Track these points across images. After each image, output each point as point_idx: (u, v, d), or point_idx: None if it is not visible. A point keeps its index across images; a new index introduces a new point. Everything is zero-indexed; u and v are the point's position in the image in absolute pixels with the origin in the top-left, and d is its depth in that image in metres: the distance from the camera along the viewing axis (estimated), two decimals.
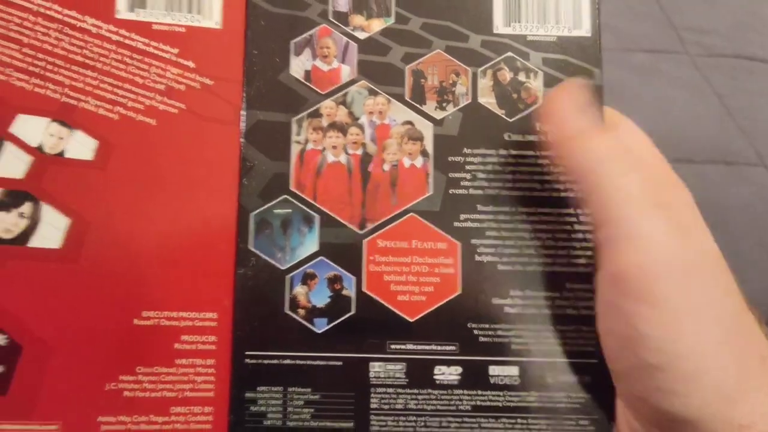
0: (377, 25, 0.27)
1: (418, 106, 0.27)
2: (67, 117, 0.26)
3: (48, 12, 0.26)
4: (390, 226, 0.26)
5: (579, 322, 0.26)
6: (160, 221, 0.26)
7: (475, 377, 0.26)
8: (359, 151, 0.27)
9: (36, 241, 0.25)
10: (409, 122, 0.27)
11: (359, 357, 0.26)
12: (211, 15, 0.28)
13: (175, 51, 0.27)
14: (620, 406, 0.25)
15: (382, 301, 0.26)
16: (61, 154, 0.26)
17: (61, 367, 0.25)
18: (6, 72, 0.26)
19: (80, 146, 0.26)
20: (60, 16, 0.26)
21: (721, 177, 0.62)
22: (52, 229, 0.25)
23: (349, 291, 0.26)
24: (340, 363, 0.26)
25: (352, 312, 0.26)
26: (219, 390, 0.26)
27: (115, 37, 0.27)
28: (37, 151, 0.26)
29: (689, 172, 0.62)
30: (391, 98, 0.27)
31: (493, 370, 0.26)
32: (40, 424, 0.25)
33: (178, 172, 0.27)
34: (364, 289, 0.26)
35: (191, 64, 0.27)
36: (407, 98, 0.27)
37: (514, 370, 0.26)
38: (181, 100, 0.27)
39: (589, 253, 0.26)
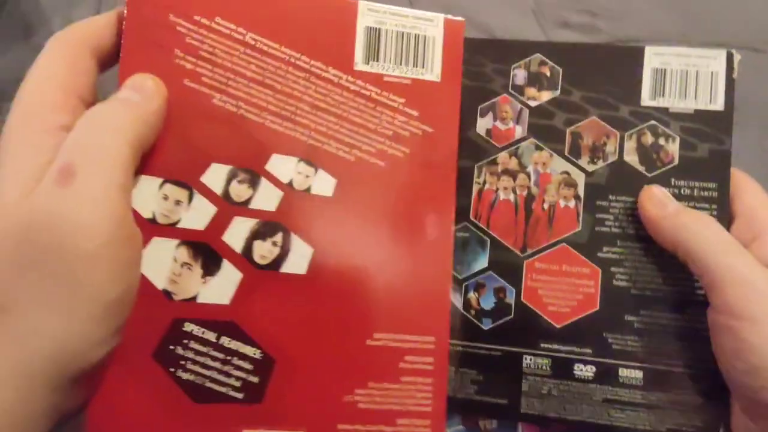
0: (546, 95, 0.35)
1: (574, 160, 0.34)
2: (312, 157, 0.29)
3: (298, 62, 0.29)
4: (546, 252, 0.34)
5: (696, 339, 0.32)
6: (388, 252, 0.29)
7: (606, 376, 0.32)
8: (525, 193, 0.34)
9: (286, 267, 0.28)
10: (566, 172, 0.34)
11: (515, 350, 0.33)
12: (433, 69, 0.30)
13: (402, 100, 0.30)
14: (736, 410, 0.31)
15: (536, 310, 0.33)
16: (307, 191, 0.29)
17: (306, 379, 0.28)
18: (263, 115, 0.29)
19: (323, 184, 0.29)
20: (307, 66, 0.29)
21: None
22: (299, 257, 0.28)
23: (510, 300, 0.34)
24: (499, 353, 0.33)
25: (512, 316, 0.33)
26: (435, 405, 0.29)
27: (353, 87, 0.30)
28: (287, 187, 0.28)
29: None
30: (553, 153, 0.34)
31: (623, 371, 0.32)
32: (290, 430, 0.27)
33: (403, 208, 0.30)
34: (522, 299, 0.33)
35: (415, 113, 0.30)
36: (566, 153, 0.34)
37: (639, 374, 0.32)
38: (406, 145, 0.30)
39: None
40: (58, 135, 0.24)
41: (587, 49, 0.35)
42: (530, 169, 0.34)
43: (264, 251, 0.28)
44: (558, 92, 0.35)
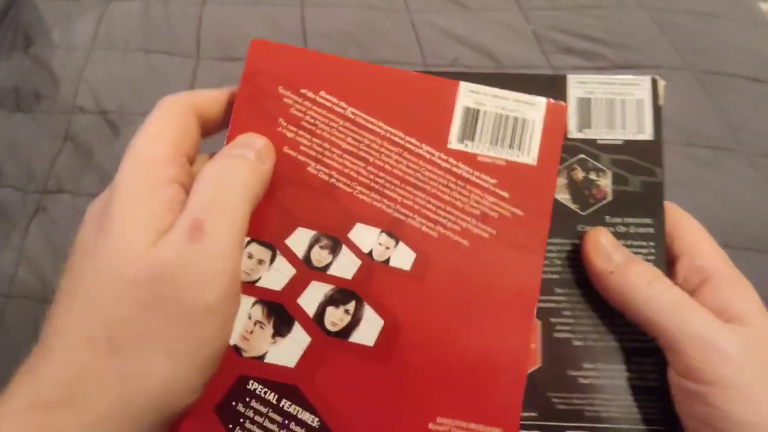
0: None
1: None
2: (395, 229, 0.29)
3: (393, 137, 0.29)
4: None
5: (645, 392, 0.29)
6: (461, 334, 0.28)
7: None
8: None
9: (355, 337, 0.27)
10: None
11: None
12: (530, 152, 0.29)
13: (494, 181, 0.29)
14: None
15: None
16: (385, 262, 0.28)
17: None
18: (353, 186, 0.29)
19: (402, 257, 0.28)
20: (402, 142, 0.29)
21: None
22: (369, 328, 0.28)
23: None
24: None
25: None
26: None
27: (444, 165, 0.29)
28: (366, 257, 0.28)
29: (753, 260, 0.64)
30: None
31: None
32: None
33: (482, 290, 0.28)
34: None
35: (506, 195, 0.29)
36: None
37: None
38: (493, 226, 0.29)
39: None
40: (171, 187, 0.25)
41: (507, 79, 0.32)
42: None
43: (336, 318, 0.28)
44: None
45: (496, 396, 0.27)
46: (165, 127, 0.27)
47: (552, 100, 0.30)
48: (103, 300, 0.23)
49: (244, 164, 0.27)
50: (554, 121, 0.30)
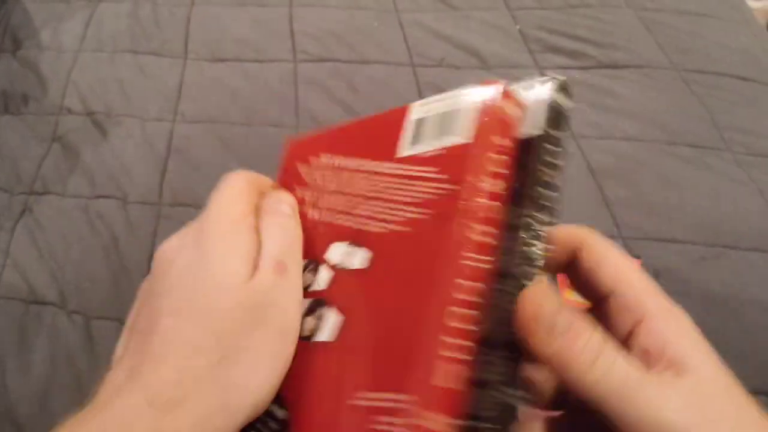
0: None
1: None
2: (358, 239, 0.32)
3: (362, 167, 0.33)
4: None
5: (480, 386, 0.26)
6: (396, 311, 0.28)
7: None
8: None
9: (319, 336, 0.30)
10: None
11: None
12: (465, 132, 0.29)
13: (436, 169, 0.30)
14: None
15: None
16: (348, 267, 0.31)
17: None
18: (333, 216, 0.33)
19: (361, 259, 0.31)
20: (369, 167, 0.33)
21: (764, 264, 0.64)
22: (330, 326, 0.30)
23: None
24: None
25: None
26: None
27: (397, 171, 0.31)
28: (335, 268, 0.32)
29: (739, 259, 0.63)
30: None
31: None
32: None
33: (421, 266, 0.28)
34: None
35: (446, 176, 0.29)
36: None
37: None
38: (432, 208, 0.29)
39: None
40: (253, 232, 0.32)
41: None
42: None
43: (310, 325, 0.31)
44: None
45: (411, 364, 0.26)
46: (241, 191, 0.34)
47: (488, 80, 0.30)
48: (214, 318, 0.29)
49: (291, 220, 0.34)
50: (491, 96, 0.29)
